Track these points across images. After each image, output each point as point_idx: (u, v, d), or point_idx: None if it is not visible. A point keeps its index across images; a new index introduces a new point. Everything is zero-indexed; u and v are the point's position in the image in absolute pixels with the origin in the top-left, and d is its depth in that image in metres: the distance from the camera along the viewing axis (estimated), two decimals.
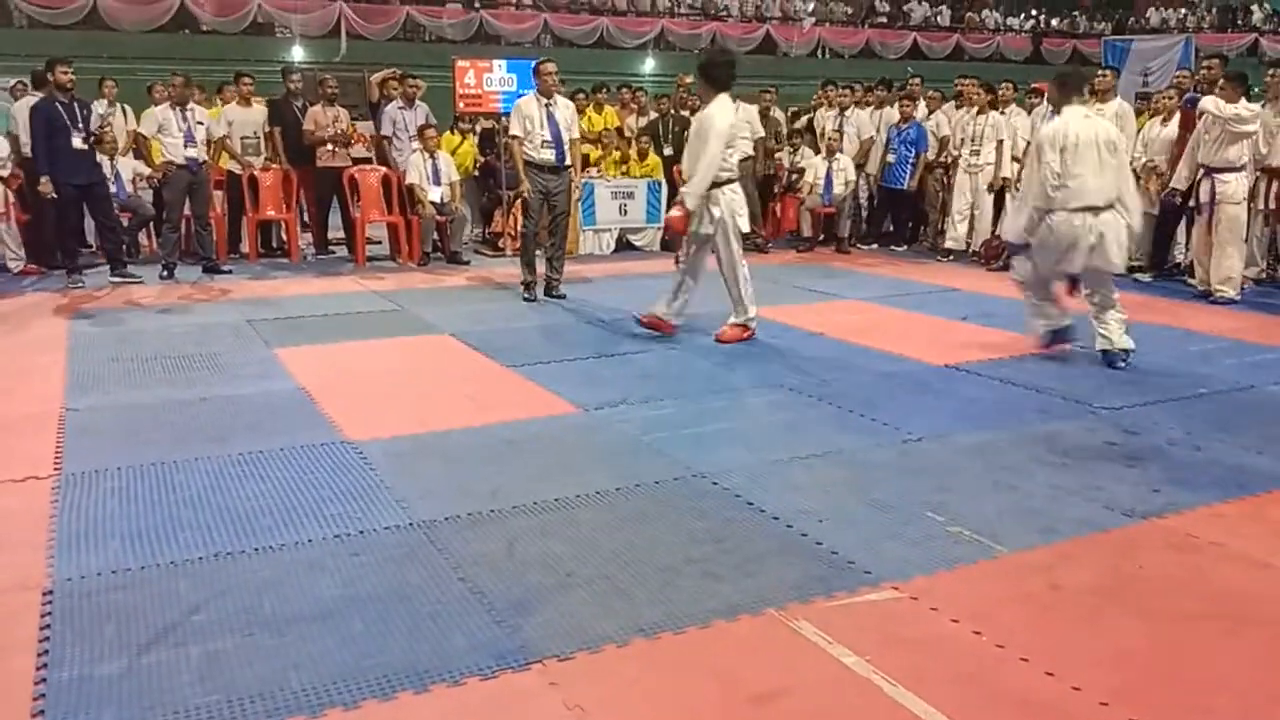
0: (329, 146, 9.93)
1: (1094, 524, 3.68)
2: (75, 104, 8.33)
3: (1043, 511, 3.78)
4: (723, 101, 6.41)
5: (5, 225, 9.04)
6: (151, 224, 10.15)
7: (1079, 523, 3.68)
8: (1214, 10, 27.18)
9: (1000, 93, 10.16)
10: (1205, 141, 7.88)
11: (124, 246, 9.15)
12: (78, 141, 8.27)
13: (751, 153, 10.16)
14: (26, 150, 8.96)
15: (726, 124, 6.32)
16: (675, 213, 6.48)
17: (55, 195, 8.17)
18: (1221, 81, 7.95)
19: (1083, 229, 5.64)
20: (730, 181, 6.48)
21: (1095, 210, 5.66)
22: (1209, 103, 7.75)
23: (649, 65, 21.55)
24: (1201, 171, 7.95)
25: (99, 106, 9.60)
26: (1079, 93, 6.12)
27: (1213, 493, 3.97)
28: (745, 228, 6.64)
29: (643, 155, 10.95)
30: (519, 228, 8.25)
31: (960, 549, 3.46)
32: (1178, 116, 8.59)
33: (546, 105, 7.83)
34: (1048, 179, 5.68)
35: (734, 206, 6.46)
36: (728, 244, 6.50)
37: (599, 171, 10.78)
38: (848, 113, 11.16)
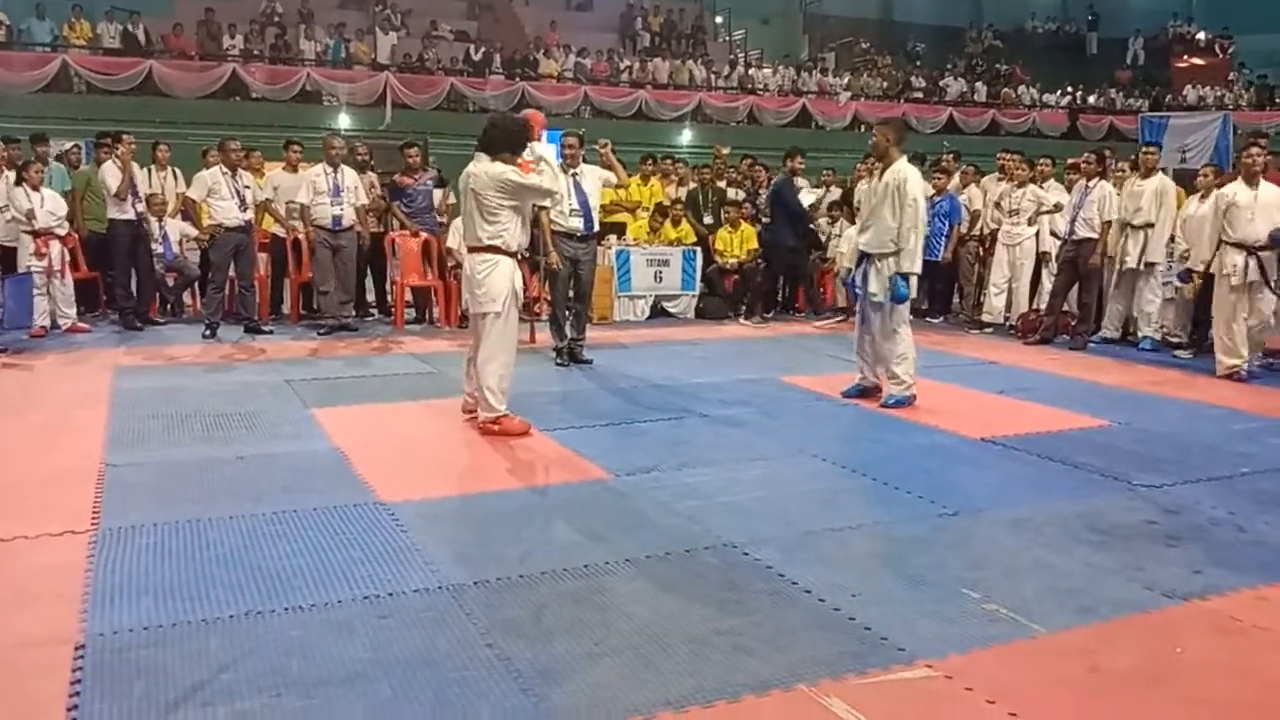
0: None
1: (1134, 605, 3.60)
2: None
3: (1081, 591, 3.71)
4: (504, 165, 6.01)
5: (59, 282, 9.24)
6: (196, 284, 10.38)
7: (1118, 603, 3.61)
8: (1251, 88, 27.19)
9: (1039, 168, 10.21)
10: None
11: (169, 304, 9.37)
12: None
13: None
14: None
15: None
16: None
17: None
18: None
19: None
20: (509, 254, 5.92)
21: None
22: None
23: (686, 137, 21.84)
24: None
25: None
26: None
27: (1257, 575, 3.88)
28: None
29: (675, 222, 11.08)
30: (549, 294, 8.33)
31: (996, 628, 3.39)
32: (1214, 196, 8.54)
33: (574, 175, 7.97)
34: None
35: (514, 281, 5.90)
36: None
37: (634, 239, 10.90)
38: None
